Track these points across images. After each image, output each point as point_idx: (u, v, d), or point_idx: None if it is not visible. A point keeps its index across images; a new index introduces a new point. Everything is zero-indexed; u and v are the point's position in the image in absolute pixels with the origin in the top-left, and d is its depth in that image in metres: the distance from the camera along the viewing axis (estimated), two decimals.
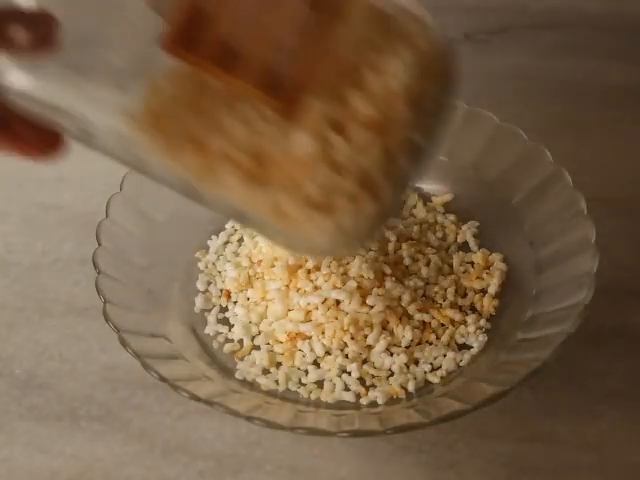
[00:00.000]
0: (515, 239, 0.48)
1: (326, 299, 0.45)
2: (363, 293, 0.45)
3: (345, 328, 0.44)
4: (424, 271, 0.47)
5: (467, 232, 0.50)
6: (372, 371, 0.44)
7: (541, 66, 0.64)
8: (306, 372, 0.44)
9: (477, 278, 0.48)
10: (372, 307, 0.45)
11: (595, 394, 0.44)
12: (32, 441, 0.43)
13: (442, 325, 0.46)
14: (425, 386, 0.44)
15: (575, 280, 0.43)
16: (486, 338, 0.45)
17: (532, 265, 0.47)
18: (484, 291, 0.47)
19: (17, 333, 0.48)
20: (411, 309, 0.45)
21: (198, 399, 0.39)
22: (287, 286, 0.46)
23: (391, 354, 0.45)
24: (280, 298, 0.46)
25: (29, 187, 0.55)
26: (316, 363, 0.45)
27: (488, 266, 0.48)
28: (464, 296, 0.47)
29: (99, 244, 0.44)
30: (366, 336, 0.45)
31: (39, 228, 0.53)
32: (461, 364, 0.44)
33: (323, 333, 0.45)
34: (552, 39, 0.66)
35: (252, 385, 0.44)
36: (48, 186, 0.55)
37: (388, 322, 0.45)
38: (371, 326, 0.45)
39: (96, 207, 0.53)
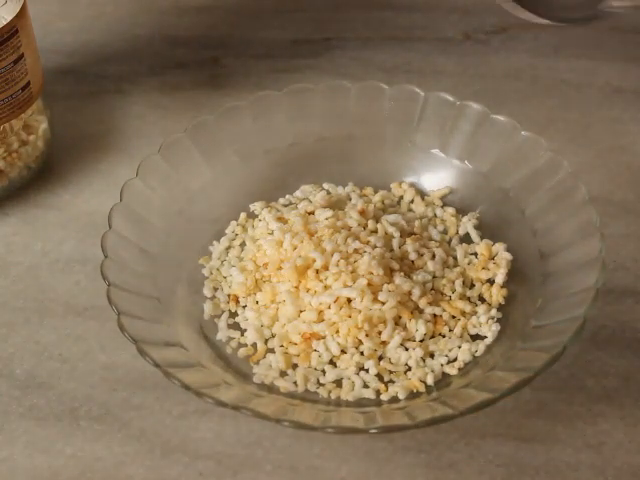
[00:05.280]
0: (516, 228, 0.49)
1: (338, 298, 0.45)
2: (374, 290, 0.45)
3: (359, 326, 0.44)
4: (430, 265, 0.47)
5: (468, 224, 0.50)
6: (389, 367, 0.44)
7: (541, 66, 0.64)
8: (323, 372, 0.44)
9: (483, 269, 0.48)
10: (384, 303, 0.45)
11: (595, 394, 0.44)
12: (32, 441, 0.43)
13: (453, 317, 0.46)
14: (443, 379, 0.44)
15: (584, 265, 0.44)
16: (499, 327, 0.45)
17: (536, 253, 0.47)
18: (491, 281, 0.48)
19: (17, 333, 0.48)
20: (422, 303, 0.46)
21: (225, 405, 0.39)
22: (297, 287, 0.46)
23: (406, 349, 0.45)
24: (291, 300, 0.46)
25: (29, 187, 0.55)
26: (332, 362, 0.45)
27: (492, 256, 0.49)
28: (471, 287, 0.48)
29: (105, 256, 0.44)
30: (380, 332, 0.45)
31: (39, 228, 0.53)
32: (476, 354, 0.45)
33: (337, 332, 0.45)
34: (552, 39, 0.66)
35: (271, 388, 0.44)
36: (48, 186, 0.55)
37: (400, 317, 0.45)
38: (384, 322, 0.45)
39: (96, 207, 0.54)
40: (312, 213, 0.50)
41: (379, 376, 0.44)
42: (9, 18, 0.49)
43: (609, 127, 0.58)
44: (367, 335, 0.44)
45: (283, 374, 0.44)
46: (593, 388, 0.44)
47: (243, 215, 0.51)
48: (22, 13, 0.50)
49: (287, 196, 0.53)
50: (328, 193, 0.52)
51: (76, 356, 0.47)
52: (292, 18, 0.68)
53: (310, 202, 0.51)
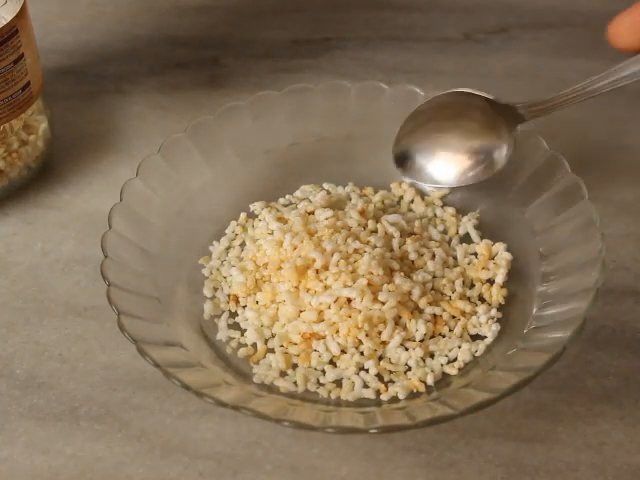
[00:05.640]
0: (516, 228, 0.49)
1: (338, 298, 0.45)
2: (374, 290, 0.45)
3: (359, 326, 0.44)
4: (430, 265, 0.48)
5: (468, 224, 0.50)
6: (389, 367, 0.44)
7: (541, 66, 0.64)
8: (323, 372, 0.44)
9: (483, 269, 0.48)
10: (384, 303, 0.45)
11: (595, 394, 0.44)
12: (32, 441, 0.43)
13: (453, 317, 0.46)
14: (443, 379, 0.44)
15: (584, 265, 0.44)
16: (499, 327, 0.45)
17: (536, 253, 0.47)
18: (491, 281, 0.48)
19: (17, 333, 0.48)
20: (422, 303, 0.46)
21: (225, 405, 0.39)
22: (297, 287, 0.46)
23: (406, 349, 0.45)
24: (291, 300, 0.46)
25: (29, 187, 0.55)
26: (332, 362, 0.45)
27: (492, 256, 0.49)
28: (471, 287, 0.48)
29: (105, 256, 0.44)
30: (380, 332, 0.45)
31: (39, 228, 0.53)
32: (476, 354, 0.45)
33: (337, 332, 0.45)
34: (552, 39, 0.66)
35: (271, 388, 0.44)
36: (48, 186, 0.55)
37: (400, 317, 0.45)
38: (384, 322, 0.45)
39: (96, 207, 0.54)
40: (312, 213, 0.50)
41: (379, 376, 0.44)
42: (9, 18, 0.49)
43: (609, 127, 0.58)
44: (367, 335, 0.44)
45: (283, 374, 0.44)
46: (593, 388, 0.44)
47: (243, 215, 0.51)
48: (22, 13, 0.50)
49: (287, 196, 0.53)
50: (328, 193, 0.52)
51: (76, 356, 0.47)
52: (292, 18, 0.68)
53: (310, 202, 0.51)
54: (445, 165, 0.51)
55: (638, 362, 0.46)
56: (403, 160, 0.52)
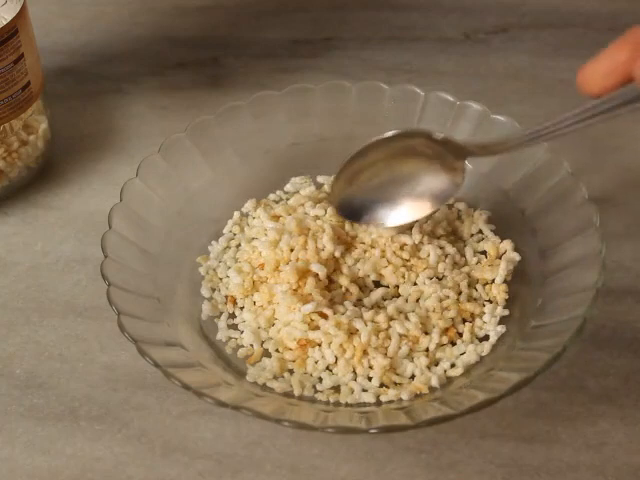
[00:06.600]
0: (516, 228, 0.49)
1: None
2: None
3: (363, 349, 0.44)
4: (441, 267, 0.47)
5: (479, 219, 0.50)
6: (395, 378, 0.44)
7: (541, 66, 0.64)
8: (320, 379, 0.44)
9: (489, 266, 0.48)
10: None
11: (595, 394, 0.44)
12: (32, 441, 0.43)
13: (464, 321, 0.46)
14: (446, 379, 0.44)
15: (584, 265, 0.44)
16: (505, 329, 0.45)
17: (536, 253, 0.47)
18: (494, 281, 0.47)
19: (17, 333, 0.48)
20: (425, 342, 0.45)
21: (225, 405, 0.39)
22: (295, 290, 0.46)
23: (412, 359, 0.44)
24: (287, 303, 0.45)
25: (29, 187, 0.55)
26: (329, 368, 0.44)
27: (500, 255, 0.48)
28: (477, 288, 0.47)
29: (105, 256, 0.44)
30: (386, 347, 0.44)
31: (39, 228, 0.53)
32: (482, 354, 0.44)
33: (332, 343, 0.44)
34: (552, 39, 0.66)
35: (270, 388, 0.43)
36: (48, 186, 0.55)
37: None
38: (389, 337, 0.44)
39: (96, 207, 0.54)
40: (302, 205, 0.50)
41: (382, 385, 0.44)
42: (9, 18, 0.50)
43: (609, 127, 0.58)
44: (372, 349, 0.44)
45: (278, 378, 0.44)
46: (593, 388, 0.44)
47: (237, 214, 0.51)
48: (22, 13, 0.50)
49: (277, 192, 0.52)
50: (317, 188, 0.52)
51: (76, 356, 0.47)
52: (292, 18, 0.68)
53: (300, 196, 0.51)
54: (401, 207, 0.48)
55: (638, 362, 0.46)
56: (352, 210, 0.48)
